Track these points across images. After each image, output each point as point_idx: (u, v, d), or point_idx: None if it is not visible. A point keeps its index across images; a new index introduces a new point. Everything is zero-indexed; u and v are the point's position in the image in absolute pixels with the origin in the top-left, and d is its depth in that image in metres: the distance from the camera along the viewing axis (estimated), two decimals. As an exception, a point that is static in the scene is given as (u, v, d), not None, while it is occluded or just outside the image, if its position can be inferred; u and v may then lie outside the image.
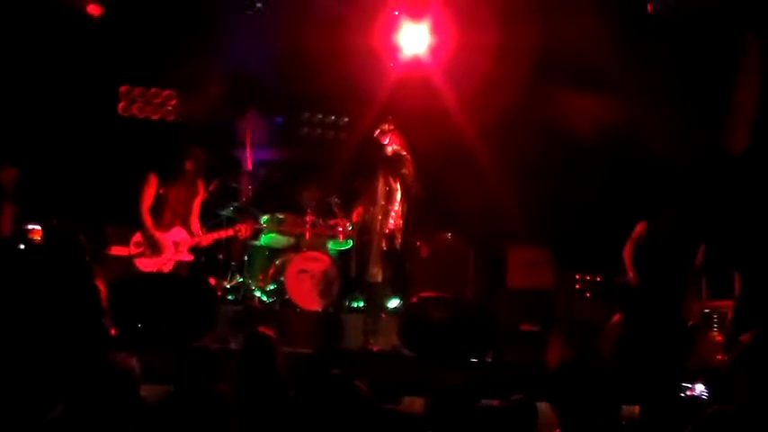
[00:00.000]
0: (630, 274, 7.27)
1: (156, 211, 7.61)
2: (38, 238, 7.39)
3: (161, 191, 7.62)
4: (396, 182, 7.56)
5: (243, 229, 8.08)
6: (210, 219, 8.43)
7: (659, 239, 7.21)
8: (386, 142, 7.58)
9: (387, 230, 7.49)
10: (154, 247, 7.57)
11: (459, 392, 4.35)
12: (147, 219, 7.55)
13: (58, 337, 5.13)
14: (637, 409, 5.43)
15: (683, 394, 6.16)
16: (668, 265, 7.14)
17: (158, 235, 7.57)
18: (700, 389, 6.20)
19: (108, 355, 3.79)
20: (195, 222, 7.81)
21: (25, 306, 5.38)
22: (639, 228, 7.33)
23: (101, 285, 5.60)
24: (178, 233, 7.67)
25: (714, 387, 6.04)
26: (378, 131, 7.63)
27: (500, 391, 4.88)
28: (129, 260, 7.61)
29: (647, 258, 7.21)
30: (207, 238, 7.92)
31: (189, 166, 7.69)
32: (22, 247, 7.26)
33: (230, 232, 8.11)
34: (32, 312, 5.32)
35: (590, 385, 3.59)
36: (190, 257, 7.74)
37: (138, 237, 7.59)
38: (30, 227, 7.48)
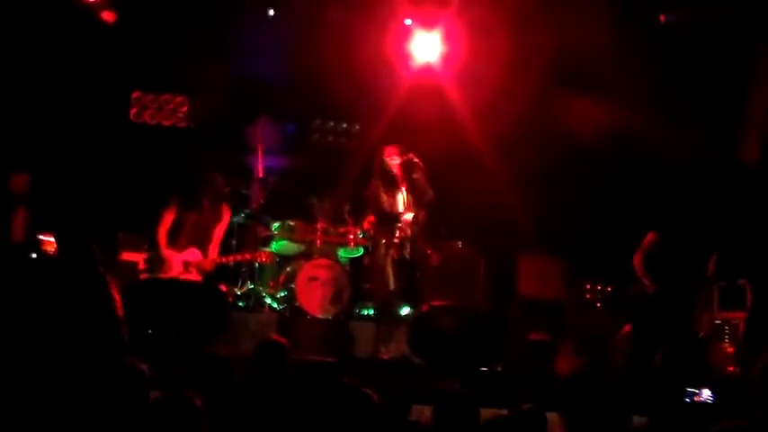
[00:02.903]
0: (646, 283, 7.24)
1: (173, 234, 7.63)
2: (51, 249, 7.37)
3: (180, 215, 7.63)
4: (404, 192, 7.55)
5: (264, 256, 8.07)
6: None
7: (670, 249, 7.18)
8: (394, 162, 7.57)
9: (397, 239, 7.48)
10: (161, 266, 7.54)
11: (462, 400, 4.34)
12: (162, 240, 7.57)
13: (74, 348, 5.14)
14: (647, 419, 5.40)
15: (688, 400, 6.12)
16: (679, 276, 7.11)
17: (168, 253, 7.55)
18: (706, 394, 6.16)
19: (120, 360, 3.81)
20: (214, 249, 7.78)
21: (37, 315, 5.39)
22: (650, 237, 7.31)
23: (116, 295, 5.62)
24: (192, 254, 7.65)
25: (721, 393, 6.01)
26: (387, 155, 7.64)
27: (510, 400, 4.86)
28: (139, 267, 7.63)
29: (657, 268, 7.17)
30: (221, 261, 7.89)
31: (205, 192, 7.69)
32: (34, 255, 7.27)
33: (247, 257, 8.11)
34: (45, 322, 5.33)
35: (600, 395, 3.58)
36: (198, 278, 7.66)
37: (147, 255, 7.59)
38: (43, 237, 7.46)
